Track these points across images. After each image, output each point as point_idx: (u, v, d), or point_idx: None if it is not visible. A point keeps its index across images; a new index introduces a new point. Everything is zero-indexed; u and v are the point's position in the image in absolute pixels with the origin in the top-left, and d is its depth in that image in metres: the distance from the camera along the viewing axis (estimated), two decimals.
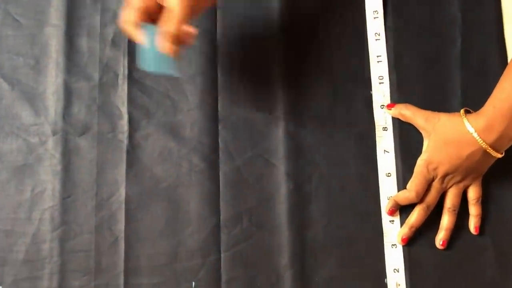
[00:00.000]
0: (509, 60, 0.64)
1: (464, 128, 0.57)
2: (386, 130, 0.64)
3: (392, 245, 0.61)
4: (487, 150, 0.56)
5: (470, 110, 0.59)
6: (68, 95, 0.66)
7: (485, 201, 0.61)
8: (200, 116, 0.65)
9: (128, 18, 0.49)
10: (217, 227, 0.63)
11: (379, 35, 0.66)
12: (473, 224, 0.61)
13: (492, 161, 0.59)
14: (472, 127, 0.56)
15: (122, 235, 0.63)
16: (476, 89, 0.63)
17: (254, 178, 0.64)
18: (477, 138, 0.56)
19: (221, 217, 0.63)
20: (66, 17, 0.68)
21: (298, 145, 0.64)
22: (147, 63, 0.48)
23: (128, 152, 0.65)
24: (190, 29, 0.48)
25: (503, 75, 0.55)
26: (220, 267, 0.62)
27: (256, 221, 0.63)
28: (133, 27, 0.49)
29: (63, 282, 0.62)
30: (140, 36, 0.48)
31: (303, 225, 0.62)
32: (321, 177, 0.64)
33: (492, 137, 0.55)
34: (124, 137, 0.65)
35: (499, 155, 0.57)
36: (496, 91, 0.55)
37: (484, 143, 0.56)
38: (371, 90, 0.65)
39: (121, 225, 0.63)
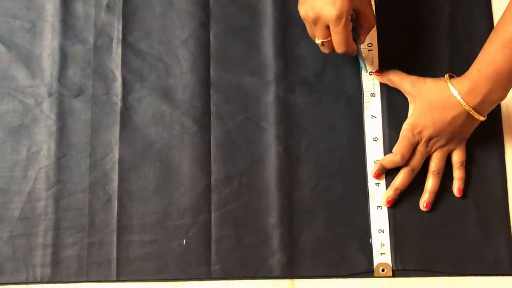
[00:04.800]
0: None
1: (449, 91, 0.58)
2: (374, 96, 0.66)
3: (378, 206, 0.63)
4: (470, 113, 0.58)
5: (454, 75, 0.60)
6: (64, 58, 0.68)
7: (468, 165, 0.63)
8: (193, 80, 0.67)
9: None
10: (208, 188, 0.64)
11: None
12: (456, 187, 0.63)
13: (475, 125, 0.60)
14: (456, 90, 0.57)
15: (115, 194, 0.64)
16: (463, 55, 0.65)
17: (245, 141, 0.65)
18: (461, 100, 0.57)
19: (212, 178, 0.65)
20: None
21: (288, 109, 0.66)
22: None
23: (121, 114, 0.66)
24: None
25: (488, 39, 0.56)
26: (210, 225, 0.63)
27: (246, 182, 0.64)
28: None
29: (57, 238, 0.64)
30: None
31: (292, 187, 0.64)
32: (309, 141, 0.65)
33: (475, 100, 0.57)
34: (118, 99, 0.67)
35: (482, 118, 0.58)
36: (480, 55, 0.57)
37: (467, 105, 0.57)
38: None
39: (114, 185, 0.65)
